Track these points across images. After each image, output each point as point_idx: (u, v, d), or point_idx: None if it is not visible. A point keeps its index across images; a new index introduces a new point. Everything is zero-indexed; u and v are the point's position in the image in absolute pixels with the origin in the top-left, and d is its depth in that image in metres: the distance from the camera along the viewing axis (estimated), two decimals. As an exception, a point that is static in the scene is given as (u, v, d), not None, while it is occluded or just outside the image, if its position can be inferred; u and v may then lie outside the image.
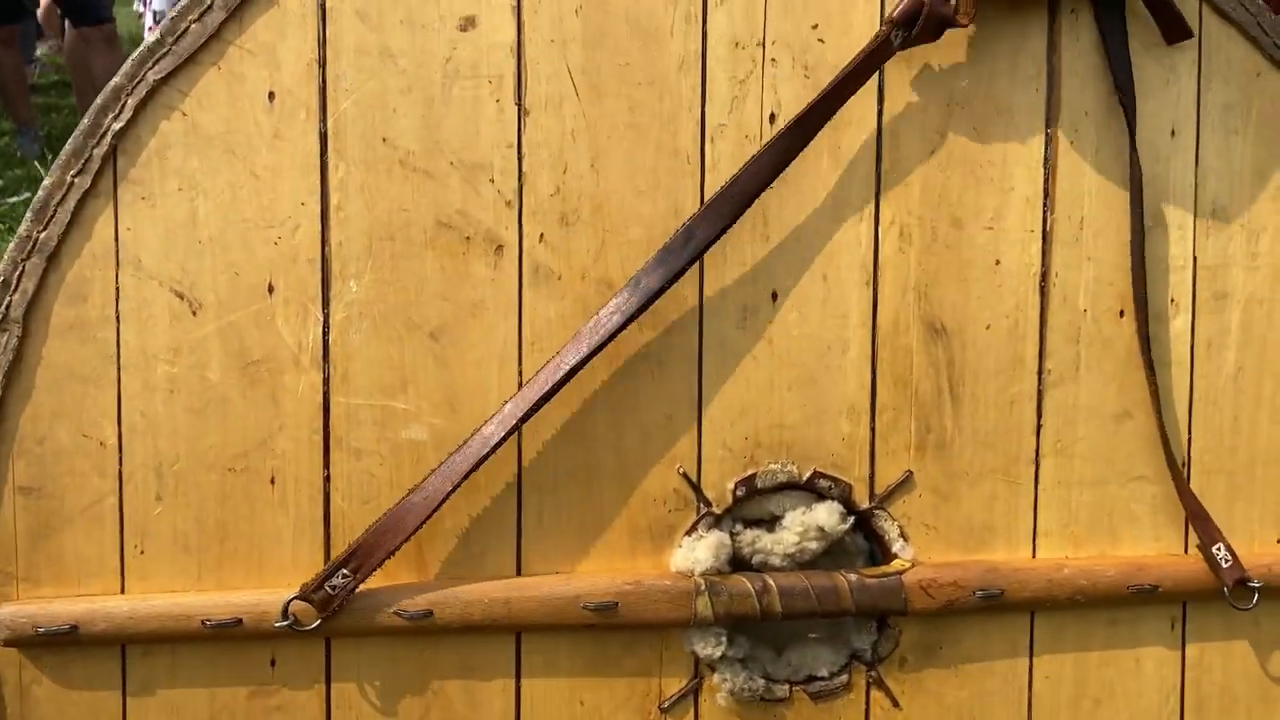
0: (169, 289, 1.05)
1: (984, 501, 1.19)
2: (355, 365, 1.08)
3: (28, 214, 1.03)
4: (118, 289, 1.04)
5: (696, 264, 1.10)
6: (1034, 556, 1.21)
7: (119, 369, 1.05)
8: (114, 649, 1.05)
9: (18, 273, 1.02)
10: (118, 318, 1.05)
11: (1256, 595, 1.20)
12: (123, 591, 1.06)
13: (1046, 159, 1.17)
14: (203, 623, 1.04)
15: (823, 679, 1.18)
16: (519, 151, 1.09)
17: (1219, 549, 1.20)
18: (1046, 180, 1.17)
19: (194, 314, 1.06)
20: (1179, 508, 1.22)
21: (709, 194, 1.10)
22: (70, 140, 1.03)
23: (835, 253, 1.15)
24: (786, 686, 1.17)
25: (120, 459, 1.05)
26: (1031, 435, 1.20)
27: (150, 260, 1.05)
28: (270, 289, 1.07)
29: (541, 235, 1.10)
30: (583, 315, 1.11)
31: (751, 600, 1.12)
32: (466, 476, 1.04)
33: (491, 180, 1.09)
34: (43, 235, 1.02)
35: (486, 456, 1.05)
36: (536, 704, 1.13)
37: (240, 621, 1.04)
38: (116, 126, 1.02)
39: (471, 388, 1.10)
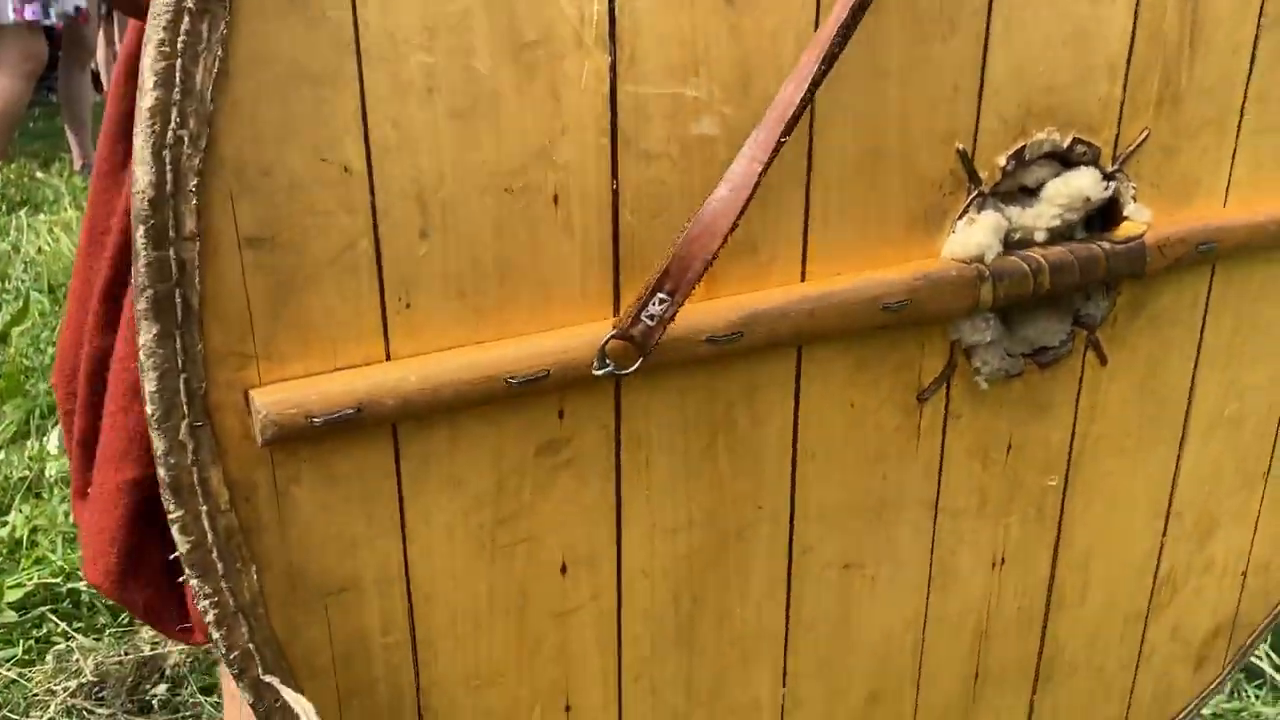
0: (418, -59, 0.74)
1: (1198, 154, 1.16)
2: (644, 42, 0.84)
3: None
4: (349, -56, 0.72)
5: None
6: (1224, 206, 1.21)
7: (359, 62, 0.75)
8: (386, 427, 0.83)
9: (213, -78, 0.67)
10: (353, -13, 0.73)
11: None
12: (388, 356, 0.82)
13: None
14: (508, 381, 0.84)
15: (1053, 348, 1.16)
16: None
17: (1374, 181, 1.25)
18: None
19: (452, -21, 0.76)
20: (1334, 147, 1.26)
21: None
22: None
23: (1121, -120, 1.00)
24: (1021, 360, 1.14)
25: (371, 187, 0.78)
26: (1243, 83, 1.16)
27: (391, -102, 0.72)
28: (546, -62, 0.78)
29: None
30: (887, -38, 0.91)
31: (1028, 280, 1.05)
32: (776, 152, 0.86)
33: None
34: None
35: (793, 124, 0.86)
36: (812, 412, 1.03)
37: (549, 374, 0.85)
38: None
39: (765, 65, 0.89)
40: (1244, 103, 1.17)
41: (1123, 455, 1.27)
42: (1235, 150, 1.19)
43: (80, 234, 1.15)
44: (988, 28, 0.98)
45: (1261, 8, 1.14)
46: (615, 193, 0.86)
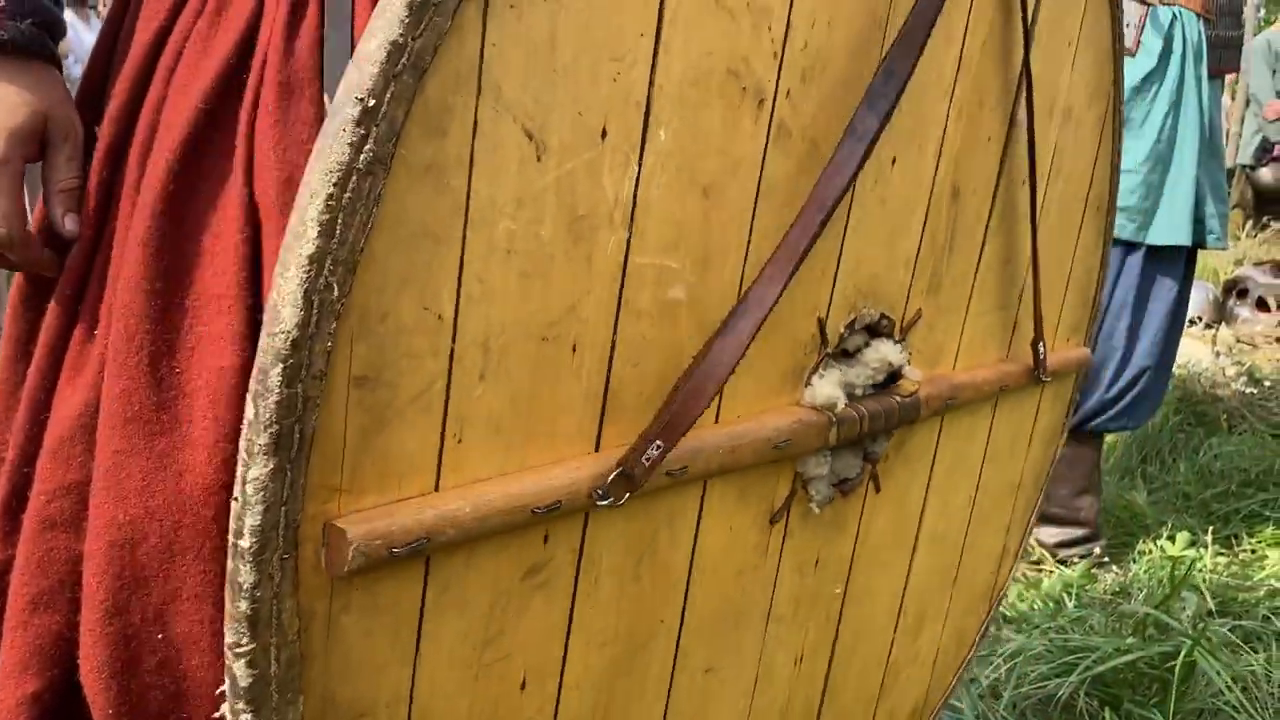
0: (521, 127, 0.84)
1: (944, 330, 1.51)
2: (649, 222, 0.99)
3: (399, 12, 0.74)
4: (476, 123, 0.81)
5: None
6: (954, 369, 1.57)
7: (466, 224, 0.83)
8: (423, 556, 0.88)
9: (388, 93, 0.74)
10: (471, 160, 0.82)
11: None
12: (437, 488, 0.88)
13: (1026, 63, 1.45)
14: (532, 511, 0.92)
15: (851, 479, 1.42)
16: None
17: (1041, 345, 1.67)
18: (1022, 79, 1.46)
19: (539, 159, 0.87)
20: (1008, 328, 1.67)
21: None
22: (456, -87, 0.75)
23: (927, 125, 1.32)
24: (833, 489, 1.39)
25: (454, 334, 0.85)
26: (971, 278, 1.53)
27: (510, 88, 0.83)
28: (604, 133, 0.91)
29: (789, 91, 1.09)
30: (800, 174, 1.13)
31: (856, 425, 1.31)
32: (753, 338, 1.05)
33: (769, 28, 1.04)
34: (417, 44, 0.75)
35: (766, 317, 1.06)
36: (707, 536, 1.20)
37: (560, 504, 0.95)
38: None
39: (718, 246, 1.07)
40: (971, 291, 1.54)
41: (880, 567, 1.56)
42: (963, 328, 1.55)
43: None
44: (847, 223, 1.24)
45: (988, 219, 1.51)
46: (613, 344, 0.99)
